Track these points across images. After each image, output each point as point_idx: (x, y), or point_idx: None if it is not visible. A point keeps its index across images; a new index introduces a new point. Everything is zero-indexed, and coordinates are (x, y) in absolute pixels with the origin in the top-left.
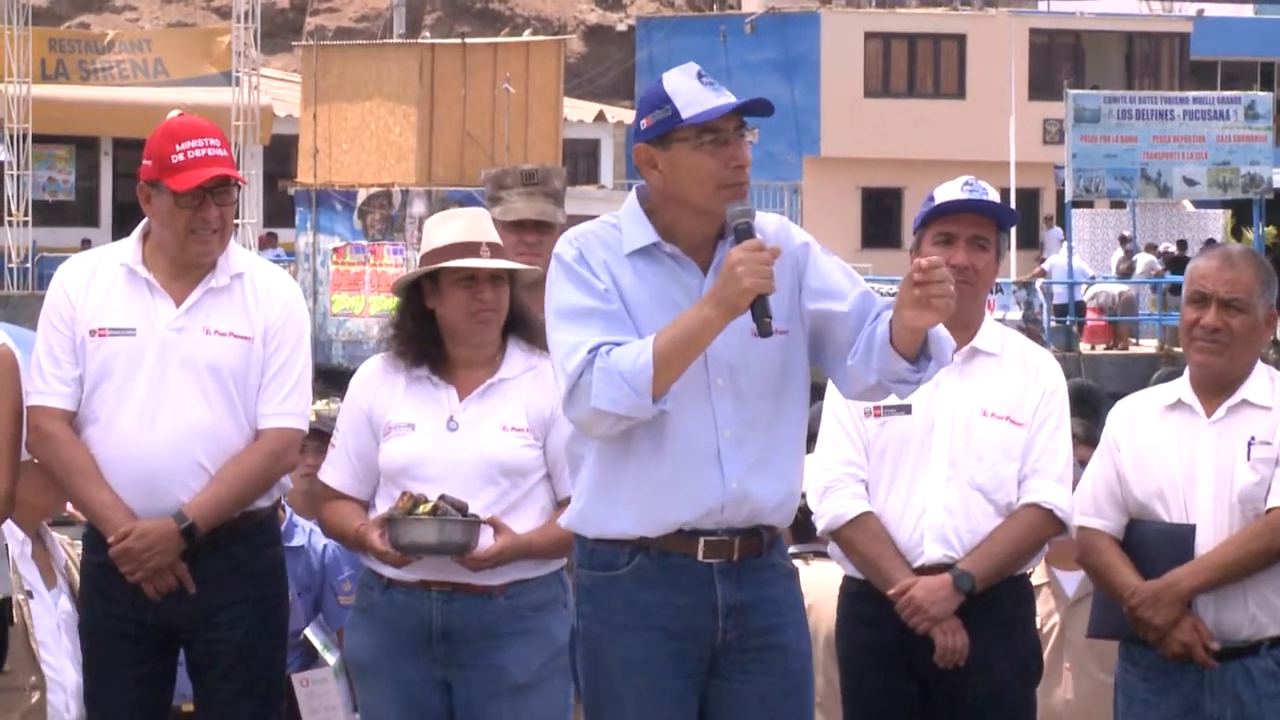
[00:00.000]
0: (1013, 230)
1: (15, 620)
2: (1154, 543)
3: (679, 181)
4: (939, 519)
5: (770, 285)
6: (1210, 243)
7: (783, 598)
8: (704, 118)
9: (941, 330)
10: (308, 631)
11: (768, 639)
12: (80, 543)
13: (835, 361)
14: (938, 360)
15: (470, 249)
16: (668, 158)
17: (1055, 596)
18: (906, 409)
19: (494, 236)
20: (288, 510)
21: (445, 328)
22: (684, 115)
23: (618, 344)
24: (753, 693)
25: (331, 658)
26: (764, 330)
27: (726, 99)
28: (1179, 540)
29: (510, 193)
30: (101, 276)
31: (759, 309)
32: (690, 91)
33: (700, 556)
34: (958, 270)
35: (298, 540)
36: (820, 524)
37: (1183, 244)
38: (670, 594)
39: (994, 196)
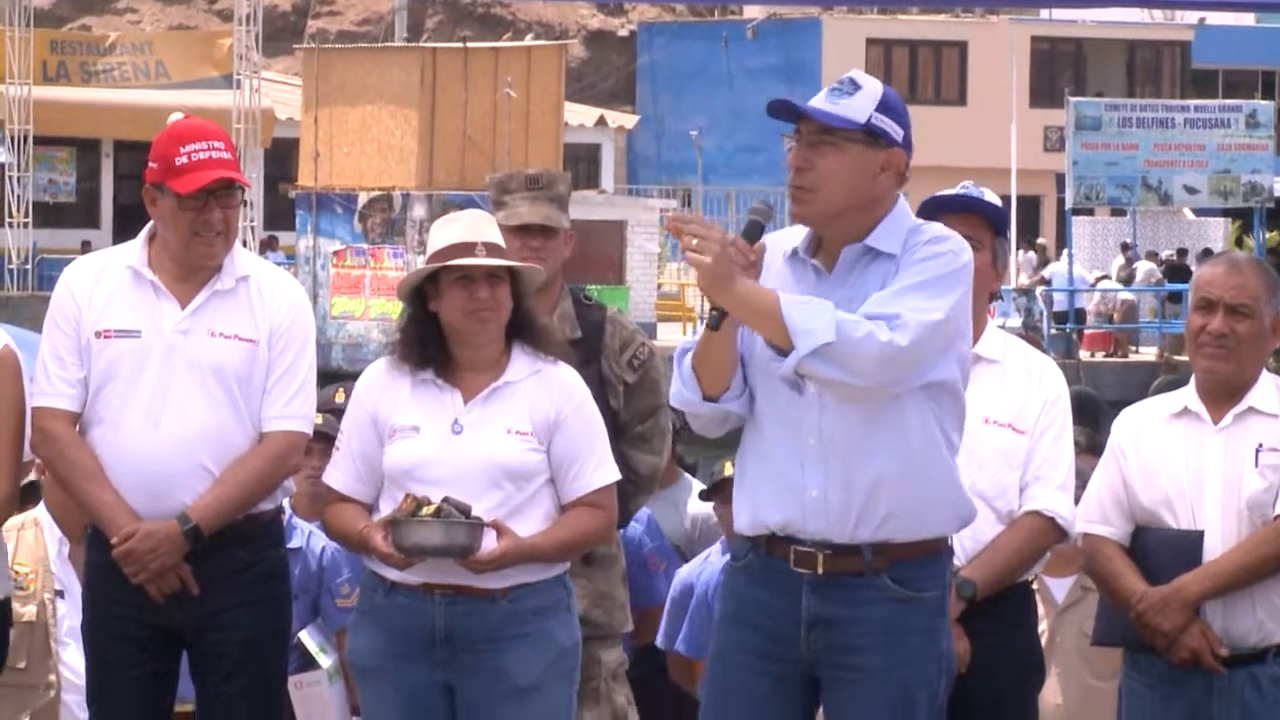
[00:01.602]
0: (1013, 236)
1: (37, 619)
2: (1161, 549)
3: None
4: None
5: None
6: (1207, 252)
7: (883, 620)
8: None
9: (799, 319)
10: (302, 634)
11: (853, 659)
12: None
13: None
14: (797, 350)
15: (466, 249)
16: None
17: (1045, 603)
18: None
19: (493, 237)
20: (286, 511)
21: (447, 329)
22: None
23: None
24: (836, 711)
25: (326, 660)
26: (710, 322)
27: (818, 104)
28: (1187, 547)
29: (514, 197)
30: (107, 278)
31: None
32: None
33: (791, 565)
34: None
35: (295, 542)
36: None
37: (1183, 252)
38: (770, 594)
39: (993, 200)
